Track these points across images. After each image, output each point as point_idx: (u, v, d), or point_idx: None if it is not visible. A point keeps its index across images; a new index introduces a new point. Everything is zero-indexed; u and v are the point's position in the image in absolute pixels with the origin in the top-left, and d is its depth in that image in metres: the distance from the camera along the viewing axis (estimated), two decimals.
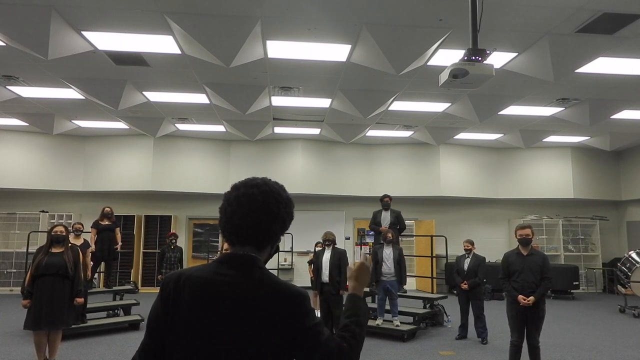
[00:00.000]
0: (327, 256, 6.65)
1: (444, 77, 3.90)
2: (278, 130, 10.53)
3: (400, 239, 8.18)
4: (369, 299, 8.19)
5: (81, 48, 5.71)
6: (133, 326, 7.35)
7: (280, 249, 11.07)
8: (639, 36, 5.33)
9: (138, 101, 7.96)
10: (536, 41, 5.58)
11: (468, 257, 7.07)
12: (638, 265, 9.33)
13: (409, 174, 11.88)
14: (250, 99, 7.67)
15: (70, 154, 11.14)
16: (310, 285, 7.29)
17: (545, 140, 11.03)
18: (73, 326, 6.06)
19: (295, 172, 11.44)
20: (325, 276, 6.57)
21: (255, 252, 1.35)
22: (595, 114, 8.30)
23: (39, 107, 8.58)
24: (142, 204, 12.08)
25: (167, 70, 6.67)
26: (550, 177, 12.12)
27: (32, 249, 7.09)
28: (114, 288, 8.50)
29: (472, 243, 7.17)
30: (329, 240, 6.74)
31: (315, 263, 6.84)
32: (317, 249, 7.65)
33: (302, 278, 11.65)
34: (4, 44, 5.62)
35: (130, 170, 11.11)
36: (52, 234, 5.14)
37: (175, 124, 10.04)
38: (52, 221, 11.18)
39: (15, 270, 11.06)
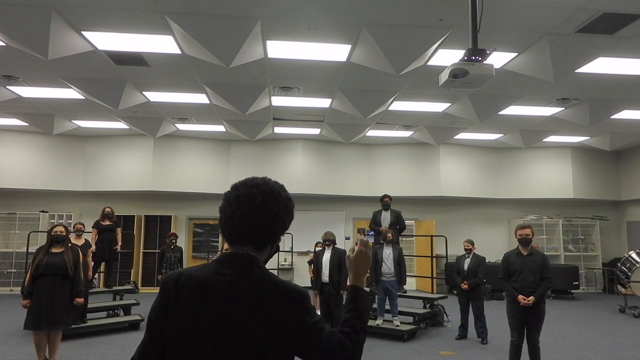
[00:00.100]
0: (327, 256, 6.65)
1: (444, 77, 3.90)
2: (278, 130, 10.53)
3: (400, 239, 8.18)
4: None
5: (81, 48, 5.71)
6: (133, 326, 7.35)
7: (280, 249, 11.06)
8: (639, 36, 5.33)
9: (138, 101, 7.96)
10: (536, 41, 5.58)
11: (468, 257, 7.07)
12: (638, 265, 9.33)
13: (409, 174, 11.88)
14: (250, 99, 7.67)
15: (70, 154, 11.14)
16: (310, 285, 7.29)
17: (545, 140, 11.03)
18: (73, 326, 6.07)
19: (295, 172, 11.44)
20: (325, 276, 6.57)
21: (255, 252, 1.35)
22: (595, 114, 8.30)
23: (39, 107, 8.58)
24: (142, 204, 12.08)
25: (167, 70, 6.67)
26: (550, 177, 12.12)
27: (32, 249, 7.09)
28: (114, 288, 8.50)
29: (472, 243, 7.17)
30: (329, 240, 6.75)
31: (315, 263, 6.84)
32: (317, 249, 7.65)
33: (302, 278, 11.64)
34: (4, 44, 5.62)
35: (130, 170, 11.11)
36: (52, 234, 5.14)
37: (175, 124, 10.04)
38: (52, 221, 11.18)
39: (15, 270, 11.06)
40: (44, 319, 4.89)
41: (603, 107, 8.11)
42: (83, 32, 5.38)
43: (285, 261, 11.91)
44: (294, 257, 11.70)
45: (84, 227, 7.38)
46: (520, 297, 4.78)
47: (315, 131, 10.62)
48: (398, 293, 7.13)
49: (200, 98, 7.98)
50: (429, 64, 6.12)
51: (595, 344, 6.70)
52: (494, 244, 12.44)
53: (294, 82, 7.12)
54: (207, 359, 1.23)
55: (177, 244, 8.54)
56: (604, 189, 12.32)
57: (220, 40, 5.32)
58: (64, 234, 5.17)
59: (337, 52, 5.91)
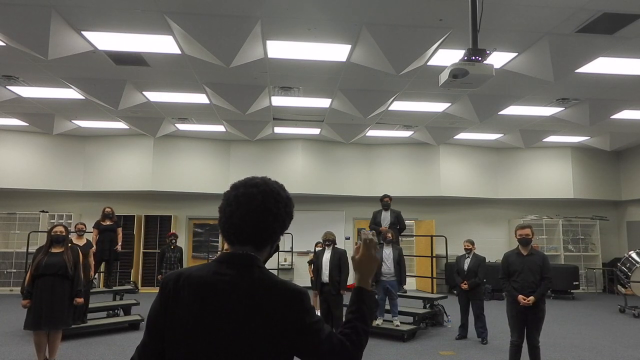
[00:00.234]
0: (327, 256, 6.66)
1: (444, 77, 3.90)
2: (278, 130, 10.53)
3: (400, 239, 8.18)
4: None
5: (81, 48, 5.71)
6: (133, 326, 7.36)
7: (280, 249, 11.07)
8: (639, 36, 5.33)
9: (138, 101, 7.97)
10: (536, 41, 5.58)
11: (468, 257, 7.07)
12: (638, 265, 9.33)
13: (409, 174, 11.88)
14: (250, 99, 7.67)
15: (70, 154, 11.14)
16: (310, 285, 7.29)
17: (545, 140, 11.03)
18: (73, 326, 6.07)
19: (295, 172, 11.44)
20: (325, 276, 6.58)
21: (254, 252, 1.35)
22: (595, 114, 8.30)
23: (39, 107, 8.58)
24: (142, 204, 12.09)
25: (167, 70, 6.67)
26: (550, 177, 12.12)
27: (32, 249, 7.10)
28: (114, 288, 8.50)
29: (472, 243, 7.17)
30: (329, 240, 6.75)
31: (315, 263, 6.85)
32: (317, 249, 7.65)
33: (302, 278, 11.64)
34: (4, 44, 5.62)
35: (130, 170, 11.11)
36: (52, 234, 5.14)
37: (175, 124, 10.04)
38: (52, 221, 11.19)
39: (15, 270, 11.07)
40: (44, 319, 4.89)
41: (603, 107, 8.11)
42: (83, 32, 5.38)
43: (285, 261, 11.91)
44: (294, 257, 11.70)
45: (86, 227, 7.38)
46: (520, 297, 4.78)
47: (315, 131, 10.62)
48: (398, 293, 7.13)
49: (200, 98, 7.98)
50: (429, 64, 6.12)
51: (595, 344, 6.70)
52: (494, 244, 12.44)
53: (294, 82, 7.12)
54: (206, 359, 1.23)
55: (177, 244, 8.55)
56: (604, 189, 12.32)
57: (220, 40, 5.33)
58: (63, 234, 5.17)
59: (337, 52, 5.91)
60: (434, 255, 8.98)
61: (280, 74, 6.78)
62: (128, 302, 7.99)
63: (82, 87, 7.21)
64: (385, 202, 8.07)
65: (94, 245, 7.89)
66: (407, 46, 5.49)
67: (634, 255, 9.73)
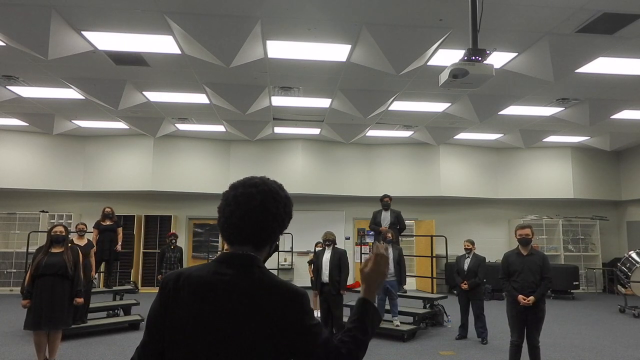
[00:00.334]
0: (327, 256, 6.66)
1: (444, 77, 3.90)
2: (278, 130, 10.53)
3: (400, 239, 8.18)
4: None
5: (81, 48, 5.71)
6: (133, 326, 7.36)
7: (280, 249, 11.07)
8: (639, 36, 5.33)
9: (138, 101, 7.97)
10: (536, 41, 5.58)
11: (468, 257, 7.07)
12: (638, 265, 9.33)
13: (409, 174, 11.89)
14: (250, 99, 7.67)
15: (70, 154, 11.14)
16: (310, 285, 7.29)
17: (545, 140, 11.03)
18: (73, 326, 6.07)
19: (295, 172, 11.44)
20: (325, 276, 6.58)
21: (254, 252, 1.35)
22: (595, 114, 8.30)
23: (39, 107, 8.58)
24: (142, 204, 12.09)
25: (167, 70, 6.67)
26: (550, 177, 12.12)
27: (32, 249, 7.10)
28: (114, 288, 8.50)
29: (472, 243, 7.17)
30: (329, 240, 6.75)
31: (315, 263, 6.85)
32: (317, 249, 7.65)
33: (302, 278, 11.64)
34: (4, 44, 5.62)
35: (130, 170, 11.11)
36: (52, 234, 5.14)
37: (175, 124, 10.04)
38: (52, 221, 11.19)
39: (15, 270, 11.07)
40: (44, 319, 4.89)
41: (603, 107, 8.11)
42: (83, 32, 5.38)
43: (285, 261, 11.91)
44: (294, 257, 11.70)
45: (86, 227, 7.37)
46: (520, 297, 4.78)
47: (315, 131, 10.62)
48: (398, 293, 7.13)
49: (200, 98, 7.98)
50: (429, 64, 6.12)
51: (595, 344, 6.70)
52: (494, 244, 12.44)
53: (294, 82, 7.12)
54: (206, 358, 1.23)
55: (177, 244, 8.54)
56: (604, 189, 12.32)
57: (220, 40, 5.33)
58: (63, 234, 5.17)
59: (337, 52, 5.91)
60: (434, 255, 8.98)
61: (280, 74, 6.78)
62: (128, 302, 8.00)
63: (82, 87, 7.21)
64: (385, 202, 8.07)
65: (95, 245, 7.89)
66: (407, 46, 5.49)
67: (634, 255, 9.73)
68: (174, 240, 8.46)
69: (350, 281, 9.79)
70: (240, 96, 7.61)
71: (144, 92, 7.73)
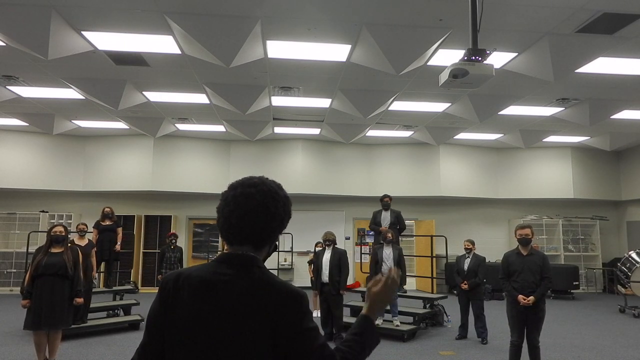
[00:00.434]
0: (327, 256, 6.66)
1: (444, 77, 3.90)
2: (278, 130, 10.53)
3: (400, 239, 8.18)
4: None
5: (81, 48, 5.71)
6: (133, 326, 7.36)
7: (280, 249, 11.07)
8: (639, 36, 5.33)
9: (138, 101, 7.97)
10: (536, 41, 5.58)
11: (468, 257, 7.06)
12: (638, 265, 9.33)
13: (409, 174, 11.89)
14: (250, 99, 7.67)
15: (70, 154, 11.14)
16: (310, 285, 7.30)
17: (545, 140, 11.03)
18: (73, 326, 6.07)
19: (295, 172, 11.44)
20: (325, 276, 6.58)
21: (253, 252, 1.34)
22: (595, 114, 8.30)
23: (39, 107, 8.58)
24: (142, 204, 12.09)
25: (167, 70, 6.67)
26: (550, 177, 12.12)
27: (32, 249, 7.09)
28: (114, 288, 8.50)
29: (472, 243, 7.16)
30: (329, 241, 6.75)
31: (315, 263, 6.85)
32: (317, 249, 7.66)
33: (302, 278, 11.65)
34: (4, 44, 5.62)
35: (130, 170, 11.11)
36: (52, 234, 5.14)
37: (175, 124, 10.04)
38: (52, 221, 11.19)
39: (15, 270, 11.07)
40: (44, 319, 4.89)
41: (603, 107, 8.11)
42: (83, 32, 5.38)
43: (285, 261, 11.91)
44: (294, 257, 11.69)
45: (87, 227, 7.36)
46: (520, 297, 4.78)
47: (315, 131, 10.62)
48: (398, 293, 7.13)
49: (200, 98, 7.98)
50: (429, 64, 6.12)
51: (595, 344, 6.71)
52: (494, 244, 12.44)
53: (294, 82, 7.13)
54: (206, 358, 1.23)
55: (177, 244, 8.54)
56: (604, 189, 12.32)
57: (220, 40, 5.33)
58: (63, 234, 5.17)
59: (337, 52, 5.91)
60: (434, 255, 8.98)
61: (280, 74, 6.78)
62: (128, 302, 7.99)
63: (82, 87, 7.21)
64: (385, 202, 8.07)
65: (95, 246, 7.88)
66: (407, 46, 5.49)
67: (634, 255, 9.73)
68: (174, 240, 8.45)
69: (350, 281, 9.79)
70: (240, 96, 7.61)
71: (144, 92, 7.73)
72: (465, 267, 6.99)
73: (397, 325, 6.93)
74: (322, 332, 6.67)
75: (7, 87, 7.41)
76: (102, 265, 8.69)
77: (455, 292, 7.89)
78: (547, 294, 5.48)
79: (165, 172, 11.18)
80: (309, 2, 4.69)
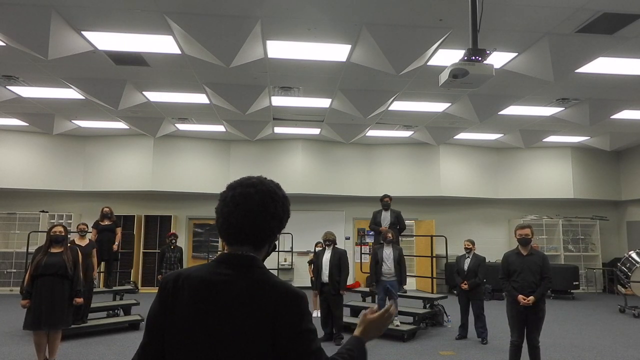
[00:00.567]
0: (327, 256, 6.66)
1: (444, 77, 3.90)
2: (278, 130, 10.53)
3: (400, 239, 8.18)
4: (369, 299, 8.20)
5: (81, 48, 5.71)
6: (133, 326, 7.36)
7: (280, 249, 11.08)
8: (639, 36, 5.33)
9: (138, 101, 7.97)
10: (536, 41, 5.58)
11: (468, 257, 7.06)
12: (638, 265, 9.33)
13: (409, 174, 11.89)
14: (250, 99, 7.67)
15: (70, 154, 11.14)
16: (310, 285, 7.29)
17: (545, 140, 11.03)
18: (73, 326, 6.07)
19: (295, 172, 11.44)
20: (325, 276, 6.58)
21: (253, 252, 1.34)
22: (595, 114, 8.30)
23: (39, 107, 8.58)
24: (142, 204, 12.09)
25: (167, 70, 6.67)
26: (550, 177, 12.12)
27: (32, 249, 7.08)
28: (114, 288, 8.50)
29: (473, 243, 7.16)
30: (329, 241, 6.75)
31: (316, 263, 6.85)
32: (317, 249, 7.66)
33: (302, 278, 11.65)
34: (4, 44, 5.62)
35: (130, 170, 11.11)
36: (51, 234, 5.14)
37: (175, 124, 10.04)
38: (52, 221, 11.19)
39: (15, 270, 11.07)
40: (44, 319, 4.89)
41: (603, 107, 8.11)
42: (83, 32, 5.38)
43: (285, 261, 11.91)
44: (294, 257, 11.69)
45: (87, 227, 7.35)
46: (520, 297, 4.78)
47: (315, 131, 10.62)
48: (398, 293, 7.13)
49: (200, 98, 7.98)
50: (429, 64, 6.12)
51: (595, 344, 6.70)
52: (494, 244, 12.44)
53: (294, 82, 7.12)
54: (206, 358, 1.23)
55: (177, 244, 8.54)
56: (604, 189, 12.32)
57: (220, 40, 5.33)
58: (63, 234, 5.17)
59: (337, 52, 5.91)
60: (434, 255, 8.98)
61: (280, 74, 6.78)
62: (128, 302, 8.00)
63: (82, 87, 7.21)
64: (385, 202, 8.06)
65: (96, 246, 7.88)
66: (407, 46, 5.49)
67: (634, 255, 9.73)
68: (174, 240, 8.45)
69: (350, 281, 9.79)
70: (240, 96, 7.61)
71: (144, 92, 7.73)
72: (465, 267, 6.99)
73: (397, 325, 6.93)
74: (322, 332, 6.67)
75: (7, 87, 7.41)
76: (102, 265, 8.68)
77: (455, 292, 7.89)
78: (547, 294, 5.49)
79: (165, 172, 11.18)
80: (309, 2, 4.69)
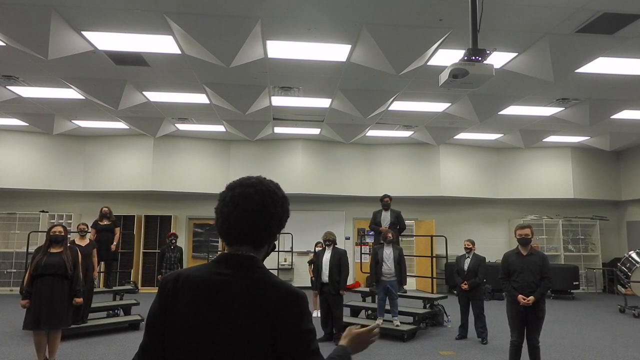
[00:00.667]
0: (327, 256, 6.66)
1: (444, 77, 3.90)
2: (278, 130, 10.53)
3: (400, 239, 8.18)
4: (369, 299, 8.20)
5: (81, 48, 5.71)
6: (133, 326, 7.36)
7: (280, 249, 11.08)
8: (639, 36, 5.33)
9: (138, 101, 7.97)
10: (536, 41, 5.58)
11: (468, 257, 7.06)
12: (638, 265, 9.33)
13: (409, 174, 11.89)
14: (250, 99, 7.67)
15: (70, 154, 11.14)
16: (310, 285, 7.29)
17: (545, 140, 11.03)
18: (73, 326, 6.07)
19: (295, 172, 11.44)
20: (325, 276, 6.58)
21: (253, 252, 1.34)
22: (595, 114, 8.30)
23: (39, 107, 8.58)
24: (142, 204, 12.09)
25: (167, 70, 6.67)
26: (550, 177, 12.12)
27: (32, 249, 7.08)
28: (114, 288, 8.50)
29: (473, 243, 7.16)
30: (329, 240, 6.75)
31: (316, 263, 6.85)
32: (317, 249, 7.66)
33: (302, 278, 11.65)
34: (4, 44, 5.62)
35: (130, 170, 11.11)
36: (51, 234, 5.14)
37: (175, 124, 10.04)
38: (52, 221, 11.18)
39: (15, 270, 11.07)
40: (44, 319, 4.90)
41: (603, 107, 8.11)
42: (83, 32, 5.38)
43: (285, 261, 11.91)
44: (294, 257, 11.69)
45: (87, 227, 7.35)
46: (520, 297, 4.78)
47: (315, 131, 10.62)
48: (398, 293, 7.13)
49: (200, 98, 7.98)
50: (429, 64, 6.12)
51: (595, 344, 6.70)
52: (494, 244, 12.44)
53: (294, 82, 7.12)
54: (206, 359, 1.22)
55: (177, 244, 8.54)
56: (604, 189, 12.32)
57: (220, 40, 5.33)
58: (62, 234, 5.17)
59: (337, 52, 5.91)
60: (434, 255, 8.98)
61: (280, 74, 6.78)
62: (128, 302, 7.99)
63: (82, 87, 7.21)
64: (385, 202, 8.06)
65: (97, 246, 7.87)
66: (407, 46, 5.49)
67: (634, 255, 9.73)
68: (174, 240, 8.45)
69: (350, 281, 9.79)
70: (240, 96, 7.61)
71: (144, 92, 7.73)
72: (465, 267, 6.99)
73: (397, 325, 6.93)
74: (322, 332, 6.67)
75: (7, 87, 7.41)
76: (102, 265, 8.68)
77: (455, 292, 7.89)
78: (547, 294, 5.48)
79: (165, 172, 11.18)
80: (309, 2, 4.69)
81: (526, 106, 8.26)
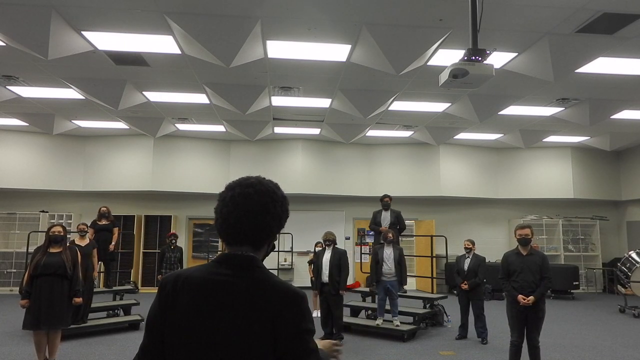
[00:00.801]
0: (327, 256, 6.66)
1: (444, 77, 3.90)
2: (278, 130, 10.53)
3: (400, 239, 8.18)
4: (369, 299, 8.20)
5: (81, 48, 5.71)
6: (133, 326, 7.36)
7: (280, 249, 11.08)
8: (639, 36, 5.33)
9: (138, 101, 7.97)
10: (536, 41, 5.58)
11: (468, 257, 7.06)
12: (638, 265, 9.33)
13: (409, 174, 11.89)
14: (250, 99, 7.67)
15: (70, 154, 11.14)
16: (310, 285, 7.29)
17: (545, 140, 11.03)
18: (73, 326, 6.07)
19: (295, 172, 11.44)
20: (325, 276, 6.58)
21: (252, 252, 1.34)
22: (595, 114, 8.30)
23: (39, 107, 8.58)
24: (142, 204, 12.09)
25: (167, 70, 6.67)
26: (550, 177, 12.12)
27: (32, 249, 7.08)
28: (114, 288, 8.50)
29: (473, 243, 7.16)
30: (329, 240, 6.75)
31: (316, 263, 6.85)
32: (317, 249, 7.66)
33: (302, 278, 11.65)
34: (4, 44, 5.62)
35: (130, 170, 11.11)
36: (50, 234, 5.13)
37: (175, 124, 10.04)
38: (52, 221, 11.19)
39: (15, 270, 11.07)
40: (43, 319, 4.89)
41: (603, 107, 8.11)
42: (83, 32, 5.38)
43: (285, 261, 11.91)
44: (294, 257, 11.70)
45: (87, 227, 7.34)
46: (520, 297, 4.78)
47: (315, 131, 10.62)
48: (398, 293, 7.13)
49: (200, 98, 7.98)
50: (429, 64, 6.12)
51: (595, 344, 6.70)
52: (494, 244, 12.44)
53: (294, 82, 7.12)
54: (206, 359, 1.22)
55: (177, 244, 8.53)
56: (604, 189, 12.32)
57: (220, 40, 5.32)
58: (61, 234, 5.16)
59: (337, 52, 5.91)
60: (434, 255, 8.98)
61: (280, 74, 6.78)
62: (128, 302, 8.00)
63: (82, 87, 7.21)
64: (385, 202, 8.06)
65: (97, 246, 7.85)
66: (407, 46, 5.49)
67: (634, 255, 9.73)
68: (174, 240, 8.45)
69: (350, 281, 9.79)
70: (240, 96, 7.61)
71: (144, 92, 7.73)
72: (465, 267, 6.99)
73: (397, 325, 6.93)
74: (322, 332, 6.67)
75: (7, 87, 7.41)
76: (101, 265, 8.67)
77: (455, 292, 7.89)
78: (547, 294, 5.48)
79: (165, 172, 11.18)
80: (309, 2, 4.69)
81: (526, 106, 8.26)
